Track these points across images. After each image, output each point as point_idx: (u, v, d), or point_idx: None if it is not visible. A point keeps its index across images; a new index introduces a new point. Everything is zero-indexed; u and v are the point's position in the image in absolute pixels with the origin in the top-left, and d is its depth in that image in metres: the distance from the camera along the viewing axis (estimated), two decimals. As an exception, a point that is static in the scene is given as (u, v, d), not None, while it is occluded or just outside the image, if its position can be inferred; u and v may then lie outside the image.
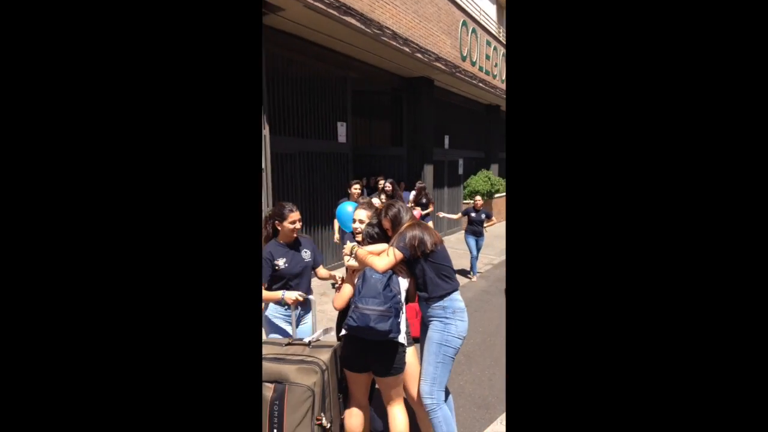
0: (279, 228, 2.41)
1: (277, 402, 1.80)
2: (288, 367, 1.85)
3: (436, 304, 2.10)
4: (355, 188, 5.08)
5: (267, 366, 1.84)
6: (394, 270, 2.02)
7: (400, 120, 8.51)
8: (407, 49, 6.26)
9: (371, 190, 6.34)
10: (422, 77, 8.05)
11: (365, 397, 2.09)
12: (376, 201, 3.47)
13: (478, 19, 8.93)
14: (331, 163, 6.53)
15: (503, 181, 11.62)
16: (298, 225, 2.41)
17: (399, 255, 2.02)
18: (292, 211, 2.38)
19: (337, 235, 5.25)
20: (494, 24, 10.99)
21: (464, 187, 10.73)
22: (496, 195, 10.97)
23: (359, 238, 2.27)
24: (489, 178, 10.84)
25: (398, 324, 1.90)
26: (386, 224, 2.16)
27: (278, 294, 2.27)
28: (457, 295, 2.15)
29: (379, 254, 2.03)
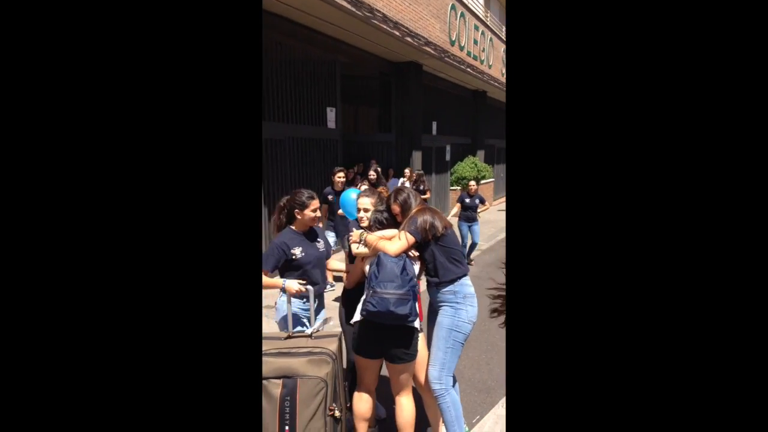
0: (298, 216, 2.31)
1: (288, 398, 1.72)
2: (296, 360, 1.78)
3: (446, 289, 2.09)
4: (339, 176, 4.75)
5: (272, 361, 1.75)
6: (405, 254, 1.99)
7: (389, 106, 8.42)
8: (397, 33, 6.16)
9: (363, 176, 6.26)
10: (411, 62, 7.96)
11: (375, 384, 2.09)
12: (364, 188, 3.42)
13: (466, 2, 8.85)
14: (321, 149, 6.43)
15: (490, 168, 11.68)
16: (318, 213, 2.32)
17: (411, 239, 1.99)
18: (312, 198, 2.29)
19: (320, 225, 5.13)
20: (481, 8, 10.91)
21: (451, 174, 10.73)
22: (483, 181, 11.02)
23: (364, 224, 2.23)
24: (476, 165, 10.87)
25: (416, 308, 1.88)
26: (396, 209, 2.14)
27: (279, 282, 2.17)
28: (467, 280, 2.14)
29: (389, 239, 2.00)
